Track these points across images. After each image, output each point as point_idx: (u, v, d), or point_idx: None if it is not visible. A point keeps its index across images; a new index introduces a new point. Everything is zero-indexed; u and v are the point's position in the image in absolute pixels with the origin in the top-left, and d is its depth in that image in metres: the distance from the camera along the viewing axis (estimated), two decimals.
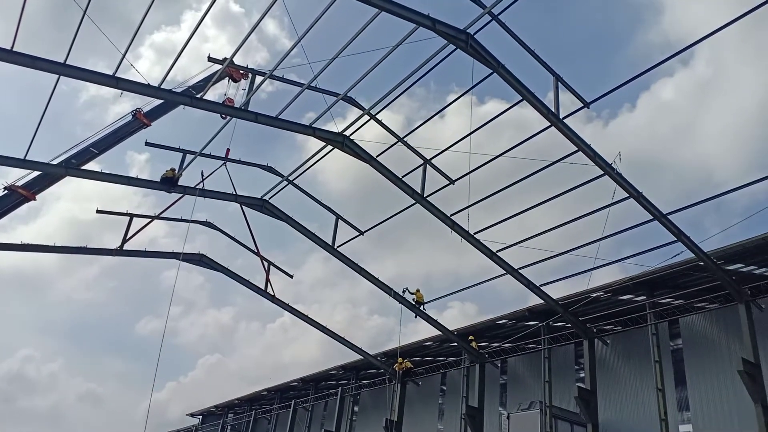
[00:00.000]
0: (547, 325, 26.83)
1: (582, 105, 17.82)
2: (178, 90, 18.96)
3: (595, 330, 24.76)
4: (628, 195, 18.65)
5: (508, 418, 26.73)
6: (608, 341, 27.21)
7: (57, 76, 16.55)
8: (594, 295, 23.56)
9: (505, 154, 20.07)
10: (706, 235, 19.52)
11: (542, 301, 24.37)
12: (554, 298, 24.10)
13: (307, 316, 30.43)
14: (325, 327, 30.84)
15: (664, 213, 18.98)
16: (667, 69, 16.19)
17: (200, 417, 58.20)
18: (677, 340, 25.02)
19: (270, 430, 48.30)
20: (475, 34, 16.49)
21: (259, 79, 19.63)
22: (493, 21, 16.42)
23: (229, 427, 52.71)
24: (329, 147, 21.20)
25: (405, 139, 21.52)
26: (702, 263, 20.51)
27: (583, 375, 27.25)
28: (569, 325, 25.56)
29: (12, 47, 15.18)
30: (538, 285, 23.40)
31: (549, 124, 17.77)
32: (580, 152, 18.05)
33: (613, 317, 25.37)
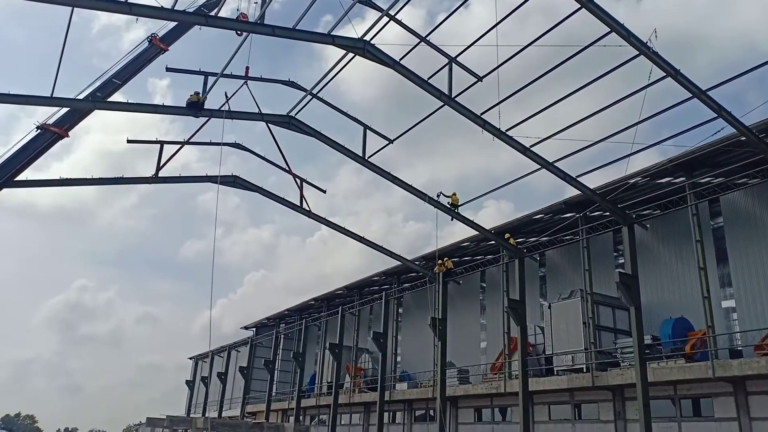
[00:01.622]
0: (585, 216, 26.79)
1: None
2: (191, 10, 18.43)
3: (634, 215, 24.62)
4: (665, 74, 17.84)
5: (549, 307, 27.46)
6: (648, 225, 27.15)
7: (70, 8, 16.25)
8: (632, 181, 23.23)
9: (533, 44, 19.26)
10: (750, 108, 18.62)
11: (579, 193, 24.18)
12: (591, 188, 23.86)
13: (343, 228, 31.00)
14: (363, 237, 31.42)
15: (704, 89, 18.19)
16: None
17: (254, 329, 61.43)
18: (718, 219, 24.80)
19: (321, 336, 50.80)
20: None
21: None
22: None
23: (282, 336, 55.58)
24: (350, 55, 20.65)
25: (428, 38, 20.74)
26: (743, 138, 19.87)
27: (622, 261, 27.49)
28: (607, 213, 25.45)
29: None
30: (574, 176, 23.12)
31: (579, 6, 16.81)
32: (613, 33, 17.15)
33: (652, 201, 25.11)
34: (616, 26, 16.91)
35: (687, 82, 17.86)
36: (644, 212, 26.32)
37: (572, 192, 24.66)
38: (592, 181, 23.91)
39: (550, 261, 32.47)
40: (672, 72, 17.65)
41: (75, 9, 16.28)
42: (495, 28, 19.30)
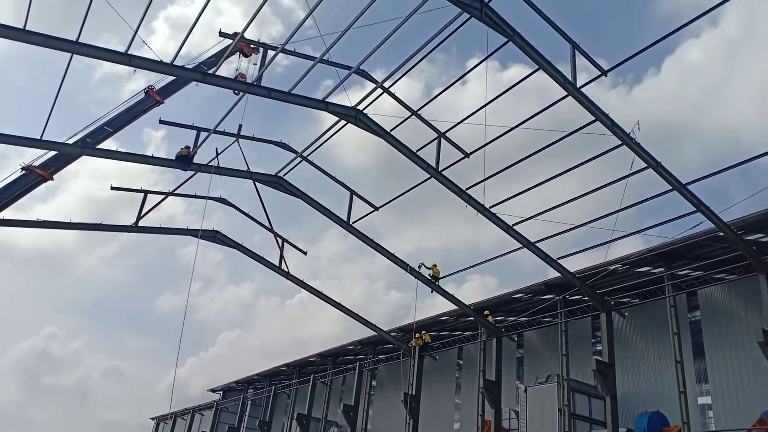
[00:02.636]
0: (564, 299, 26.72)
1: (599, 73, 17.44)
2: (190, 66, 18.84)
3: (612, 303, 24.60)
4: (646, 165, 18.33)
5: (525, 391, 26.84)
6: (626, 314, 27.07)
7: (70, 54, 16.53)
8: (611, 267, 23.36)
9: (521, 126, 19.79)
10: (732, 203, 19.04)
11: (559, 275, 24.22)
12: (572, 271, 23.94)
13: (321, 293, 30.60)
14: (340, 304, 31.03)
15: (684, 183, 18.64)
16: (693, 30, 15.79)
17: (221, 392, 59.21)
18: (695, 312, 24.82)
19: (290, 405, 49.02)
20: (490, 1, 16.12)
21: (270, 53, 19.46)
22: None
23: (249, 402, 53.57)
24: (343, 121, 21.07)
25: (421, 111, 21.27)
26: (722, 233, 20.20)
27: (600, 348, 27.19)
28: (586, 298, 25.42)
29: (24, 26, 15.16)
30: (555, 258, 23.23)
31: (566, 93, 17.43)
32: (598, 122, 17.72)
33: (631, 290, 25.19)
34: (600, 116, 17.49)
35: (667, 174, 18.31)
36: (623, 299, 26.34)
37: (554, 273, 24.69)
38: (574, 264, 24.08)
39: (528, 342, 32.07)
40: (653, 164, 18.13)
41: (76, 56, 16.54)
42: (484, 109, 19.85)
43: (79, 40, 15.79)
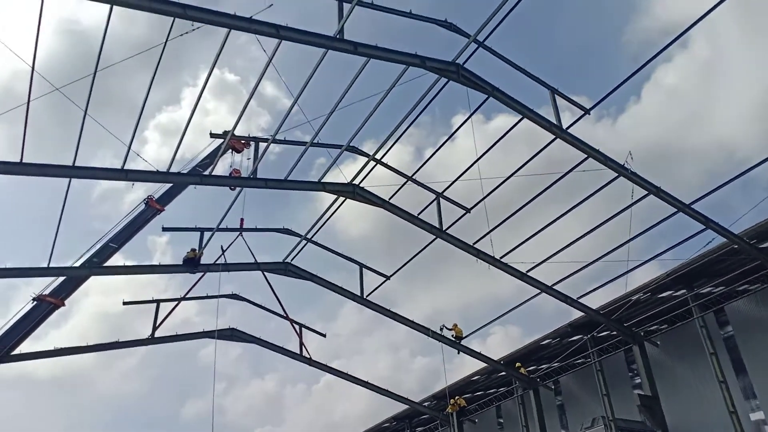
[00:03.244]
0: (593, 337, 26.13)
1: (582, 113, 17.81)
2: (186, 170, 19.24)
3: (642, 333, 24.08)
4: (647, 192, 18.43)
5: None
6: (658, 342, 26.41)
7: (68, 179, 16.90)
8: (633, 297, 23.01)
9: (515, 174, 20.02)
10: (735, 214, 19.01)
11: (583, 313, 23.84)
12: (594, 307, 23.57)
13: (346, 374, 30.10)
14: (367, 382, 30.48)
15: (687, 203, 18.67)
16: (665, 56, 16.29)
17: None
18: (727, 328, 24.20)
19: None
20: (465, 63, 16.68)
21: (262, 145, 19.92)
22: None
23: None
24: (342, 198, 21.34)
25: (416, 175, 21.57)
26: (736, 246, 20.03)
27: (639, 381, 26.37)
28: (615, 332, 24.91)
29: (21, 159, 15.55)
30: (575, 298, 22.94)
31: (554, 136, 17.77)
32: (591, 158, 17.95)
33: (657, 317, 24.68)
34: (592, 152, 17.74)
35: (669, 197, 18.37)
36: (651, 328, 25.77)
37: (577, 313, 24.30)
38: (595, 301, 23.70)
39: (566, 387, 31.10)
40: (653, 189, 18.24)
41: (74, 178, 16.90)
42: (477, 164, 20.12)
43: (76, 164, 16.19)
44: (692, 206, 18.69)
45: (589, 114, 17.88)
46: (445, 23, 16.44)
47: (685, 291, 23.07)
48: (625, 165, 17.84)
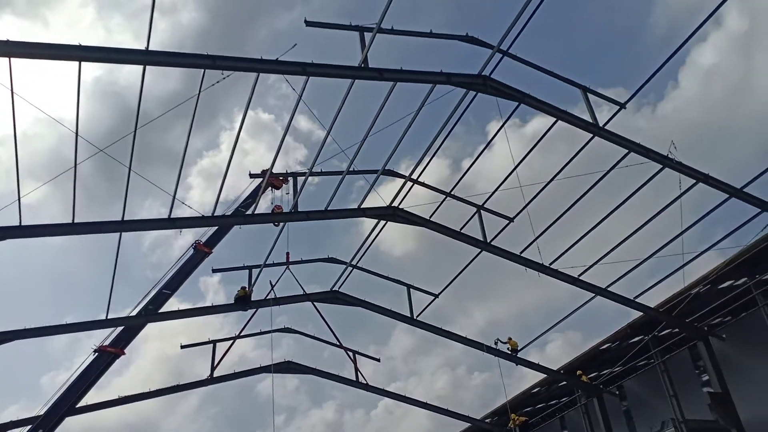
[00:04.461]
0: (655, 337, 25.29)
1: (618, 107, 17.50)
2: (230, 212, 19.61)
3: (706, 328, 23.18)
4: (695, 181, 17.91)
5: None
6: (724, 335, 25.38)
7: (118, 233, 17.41)
8: (693, 291, 22.22)
9: (555, 178, 19.73)
10: None
11: (642, 313, 23.13)
12: (653, 306, 22.85)
13: (404, 397, 29.91)
14: (425, 403, 30.20)
15: (740, 187, 18.04)
16: (700, 35, 15.77)
17: None
18: None
19: None
20: (491, 73, 16.64)
21: (300, 179, 20.20)
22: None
23: None
24: (382, 221, 21.41)
25: (456, 188, 21.51)
26: None
27: (707, 378, 25.33)
28: (677, 330, 24.06)
29: (73, 220, 16.11)
30: (632, 298, 22.30)
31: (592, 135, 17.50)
32: (632, 153, 17.59)
33: (721, 309, 23.74)
34: (633, 146, 17.40)
35: (720, 184, 17.81)
36: (715, 322, 24.79)
37: (636, 313, 23.59)
38: (653, 299, 22.96)
39: (630, 392, 30.08)
40: (701, 177, 17.73)
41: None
42: (515, 172, 19.90)
43: (125, 218, 16.71)
44: (745, 189, 18.05)
45: (625, 108, 17.55)
46: (466, 37, 16.49)
47: (746, 279, 22.17)
48: (669, 155, 17.41)
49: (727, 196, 18.13)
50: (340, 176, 19.43)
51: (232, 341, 25.07)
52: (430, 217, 21.62)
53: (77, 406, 21.67)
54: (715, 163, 17.77)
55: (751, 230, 19.25)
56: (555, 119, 17.59)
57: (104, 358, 21.49)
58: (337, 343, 26.74)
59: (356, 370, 28.07)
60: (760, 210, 18.37)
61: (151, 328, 22.82)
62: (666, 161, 17.48)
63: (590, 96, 17.73)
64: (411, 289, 25.61)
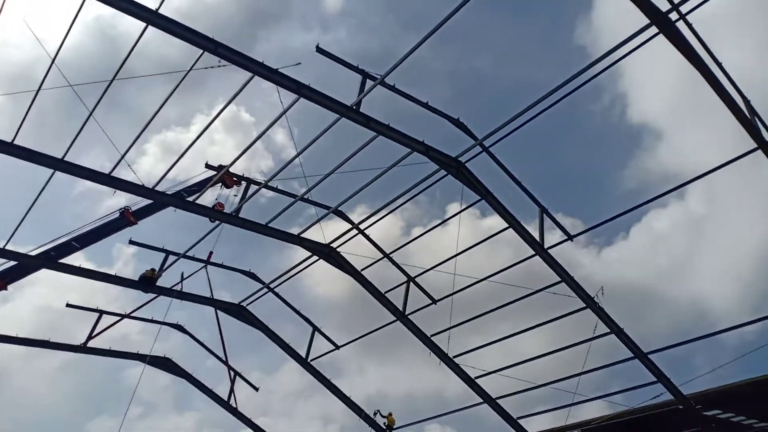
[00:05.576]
0: None
1: (567, 238, 18.28)
2: (172, 191, 19.09)
3: None
4: (609, 330, 18.65)
5: None
6: None
7: (52, 170, 16.62)
8: None
9: (489, 279, 20.20)
10: (697, 373, 19.16)
11: None
12: None
13: None
14: None
15: (646, 351, 18.86)
16: (661, 200, 16.96)
17: None
18: None
19: None
20: (467, 162, 17.20)
21: (253, 187, 19.96)
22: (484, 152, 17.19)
23: None
24: (315, 256, 21.31)
25: (397, 252, 21.64)
26: (681, 407, 20.10)
27: None
28: None
29: (13, 140, 15.35)
30: (515, 417, 22.63)
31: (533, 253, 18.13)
32: (563, 282, 18.26)
33: None
34: (566, 277, 18.07)
35: (629, 342, 18.59)
36: None
37: None
38: (534, 425, 23.32)
39: None
40: (615, 330, 18.47)
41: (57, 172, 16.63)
42: (455, 258, 20.29)
43: (65, 158, 16.01)
44: (650, 356, 18.87)
45: (572, 240, 18.34)
46: (456, 121, 17.02)
47: None
48: (595, 298, 18.15)
49: (632, 356, 18.90)
50: (293, 199, 19.34)
51: (119, 318, 23.86)
52: (362, 270, 21.64)
53: None
54: (632, 321, 18.61)
55: (644, 395, 20.01)
56: (507, 226, 18.16)
57: None
58: (224, 359, 25.90)
59: (231, 390, 27.04)
60: (656, 380, 19.17)
61: (45, 274, 21.49)
62: (590, 302, 18.20)
63: (546, 217, 18.49)
64: (316, 332, 25.25)
